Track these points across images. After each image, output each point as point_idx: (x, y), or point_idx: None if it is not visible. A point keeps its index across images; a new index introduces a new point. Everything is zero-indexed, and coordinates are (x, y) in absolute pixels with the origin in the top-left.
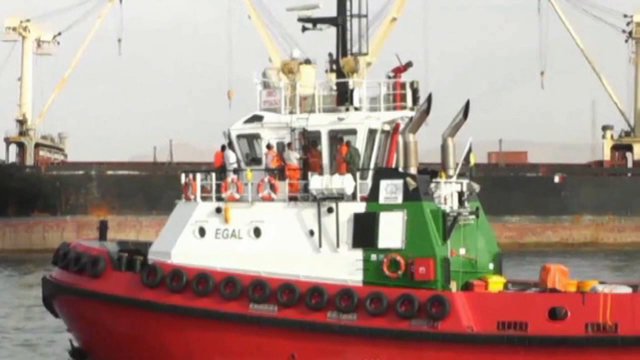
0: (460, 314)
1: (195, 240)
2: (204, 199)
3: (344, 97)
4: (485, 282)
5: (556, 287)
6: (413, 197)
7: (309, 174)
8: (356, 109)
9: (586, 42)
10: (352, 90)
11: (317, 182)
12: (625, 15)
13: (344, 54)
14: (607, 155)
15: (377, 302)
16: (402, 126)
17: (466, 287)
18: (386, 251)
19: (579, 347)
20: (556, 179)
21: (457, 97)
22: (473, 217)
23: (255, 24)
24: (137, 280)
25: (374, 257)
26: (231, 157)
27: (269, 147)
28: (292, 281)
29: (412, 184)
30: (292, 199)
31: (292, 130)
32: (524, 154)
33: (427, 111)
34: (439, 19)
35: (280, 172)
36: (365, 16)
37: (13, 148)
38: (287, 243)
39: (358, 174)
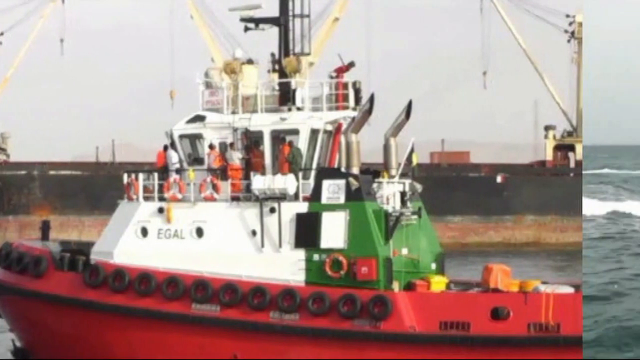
0: (403, 314)
1: (137, 240)
2: (146, 199)
3: (286, 97)
4: (427, 282)
5: (498, 287)
6: (355, 197)
7: (252, 174)
8: (298, 109)
9: (529, 42)
10: (294, 90)
11: (259, 182)
12: (567, 16)
13: (287, 54)
14: (549, 156)
15: (319, 302)
16: (344, 126)
17: (409, 287)
18: (329, 251)
19: (521, 347)
20: (498, 179)
21: (399, 97)
22: (415, 217)
23: (198, 24)
24: (80, 281)
25: (316, 257)
26: (173, 157)
27: (211, 147)
28: (235, 281)
29: (354, 184)
30: (235, 199)
31: (235, 130)
32: (467, 154)
33: (369, 111)
34: (381, 19)
35: (222, 172)
36: (308, 16)
37: None
38: (229, 243)
39: (300, 174)
